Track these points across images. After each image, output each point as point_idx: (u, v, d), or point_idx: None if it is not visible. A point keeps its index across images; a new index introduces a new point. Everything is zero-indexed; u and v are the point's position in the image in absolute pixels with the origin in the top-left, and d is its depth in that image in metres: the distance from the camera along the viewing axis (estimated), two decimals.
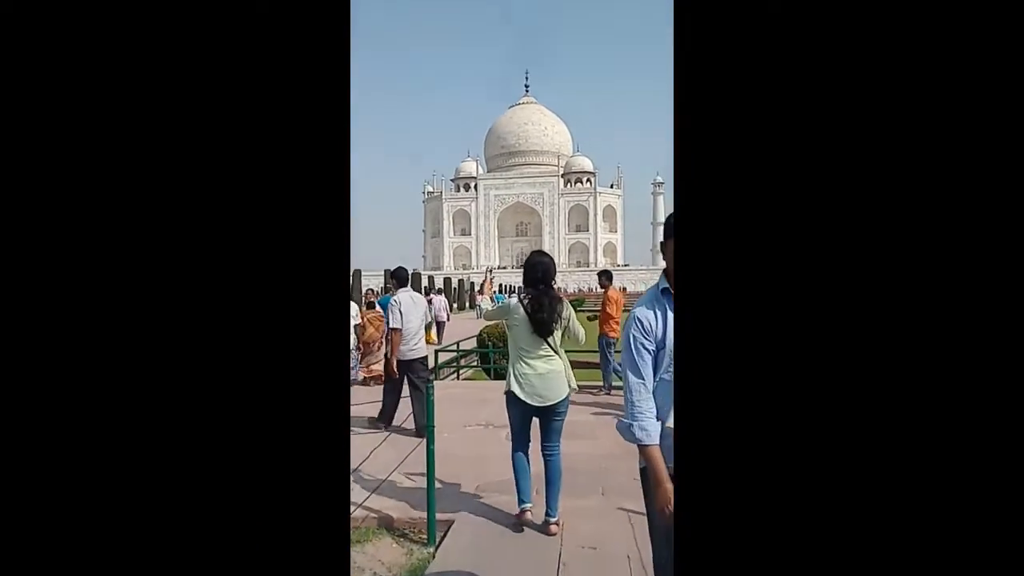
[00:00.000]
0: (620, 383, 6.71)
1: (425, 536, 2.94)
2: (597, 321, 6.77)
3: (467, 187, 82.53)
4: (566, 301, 3.12)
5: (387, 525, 3.12)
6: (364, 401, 5.21)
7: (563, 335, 3.05)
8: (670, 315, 1.55)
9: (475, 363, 11.23)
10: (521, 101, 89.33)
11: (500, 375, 5.36)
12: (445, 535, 2.94)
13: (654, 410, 1.54)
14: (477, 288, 26.42)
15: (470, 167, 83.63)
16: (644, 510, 1.67)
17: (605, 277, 6.87)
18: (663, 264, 1.68)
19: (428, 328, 14.51)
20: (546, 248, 73.35)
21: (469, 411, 5.64)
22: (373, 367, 7.39)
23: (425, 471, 2.97)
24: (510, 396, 2.97)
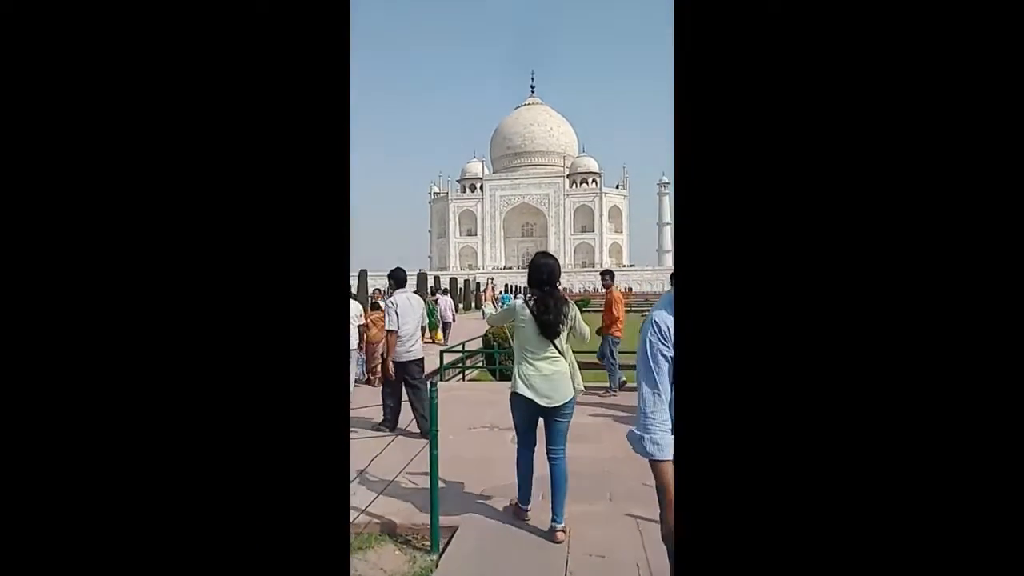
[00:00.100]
0: (624, 382, 6.69)
1: (428, 543, 2.87)
2: (601, 324, 6.66)
3: (473, 188, 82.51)
4: (571, 302, 3.09)
5: (390, 531, 3.06)
6: (370, 404, 5.15)
7: (569, 335, 3.03)
8: None
9: (480, 364, 11.17)
10: (527, 102, 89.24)
11: (506, 376, 5.31)
12: (449, 542, 2.88)
13: (668, 422, 1.44)
14: (483, 288, 26.40)
15: (476, 168, 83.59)
16: (653, 516, 1.59)
17: (608, 277, 6.77)
18: (671, 265, 1.60)
19: (435, 329, 14.60)
20: (552, 249, 73.46)
21: (474, 413, 5.57)
22: (376, 368, 7.36)
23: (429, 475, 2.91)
24: (515, 398, 2.95)
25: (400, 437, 4.45)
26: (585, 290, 52.41)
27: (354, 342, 6.13)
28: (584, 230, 78.80)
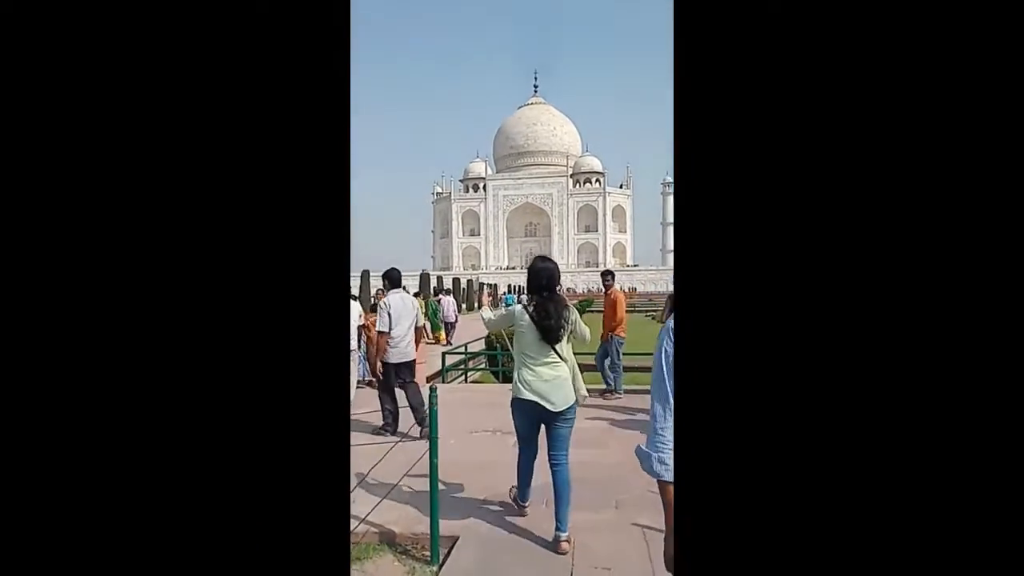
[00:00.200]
0: (629, 384, 6.59)
1: (428, 553, 2.78)
2: (603, 327, 6.55)
3: (476, 188, 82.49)
4: (572, 306, 3.03)
5: (389, 541, 2.97)
6: (373, 408, 5.06)
7: (570, 337, 2.99)
8: None
9: (483, 366, 11.08)
10: (530, 101, 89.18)
11: (509, 378, 5.21)
12: (449, 552, 2.78)
13: None
14: (484, 292, 26.37)
15: (479, 167, 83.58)
16: (661, 526, 1.49)
17: (609, 277, 6.67)
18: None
19: (438, 329, 14.53)
20: (555, 248, 73.48)
21: (477, 416, 5.49)
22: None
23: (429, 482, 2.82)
24: (516, 403, 2.90)
25: (401, 443, 4.36)
26: (589, 290, 52.31)
27: (353, 343, 6.04)
28: (588, 230, 78.67)
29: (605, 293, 6.71)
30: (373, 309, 7.93)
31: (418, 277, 31.23)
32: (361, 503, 3.16)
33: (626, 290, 52.89)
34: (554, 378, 2.83)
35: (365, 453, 3.58)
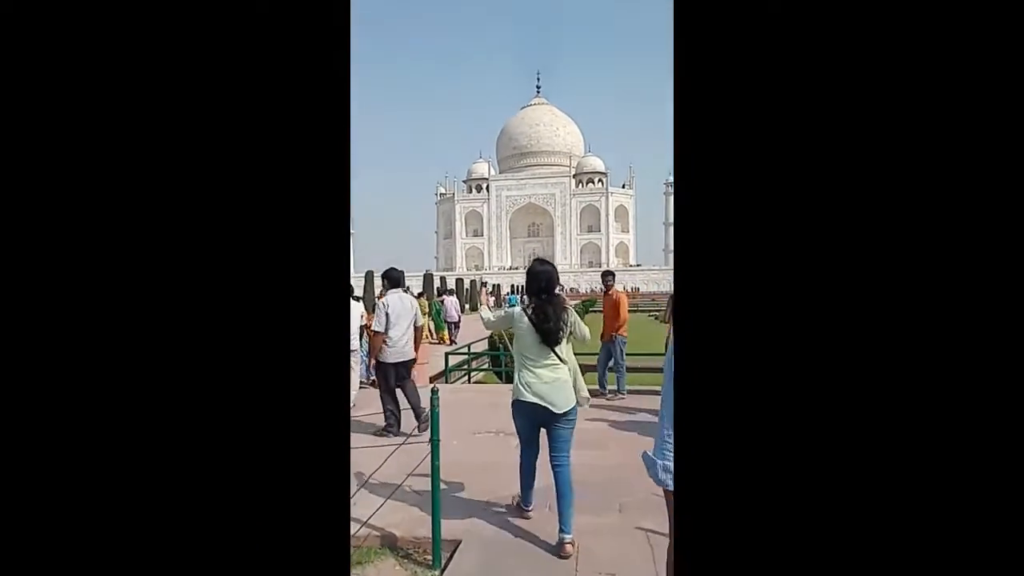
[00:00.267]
0: (631, 385, 6.55)
1: (430, 557, 2.75)
2: (604, 328, 6.52)
3: (479, 188, 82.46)
4: (570, 307, 3.02)
5: (390, 544, 2.94)
6: (376, 410, 5.02)
7: (569, 338, 2.98)
8: None
9: (486, 366, 11.05)
10: (533, 102, 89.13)
11: (511, 378, 5.21)
12: (451, 557, 2.75)
13: None
14: (483, 291, 26.39)
15: (482, 168, 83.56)
16: (666, 531, 1.46)
17: (610, 278, 6.64)
18: None
19: (441, 329, 14.52)
20: (558, 249, 73.42)
21: (480, 417, 5.45)
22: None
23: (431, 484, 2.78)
24: (516, 405, 2.89)
25: (404, 445, 4.33)
26: (592, 290, 52.23)
27: (355, 343, 6.01)
28: (590, 230, 78.57)
29: (605, 294, 6.67)
30: (374, 309, 7.91)
31: (422, 278, 31.26)
32: (363, 506, 3.12)
33: (629, 290, 52.78)
34: (555, 380, 2.83)
35: (368, 455, 3.55)
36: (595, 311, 20.13)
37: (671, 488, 1.30)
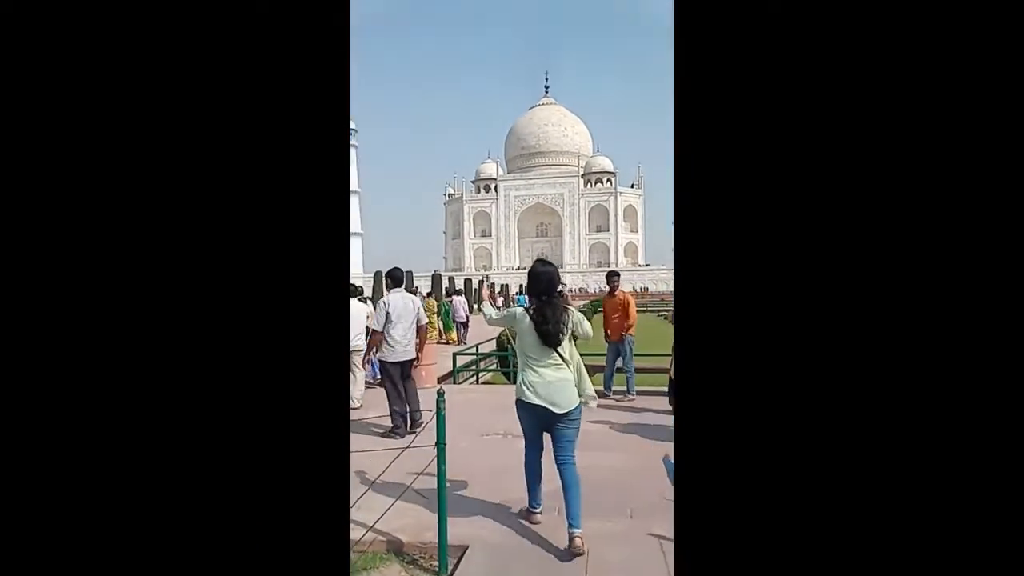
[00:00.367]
0: (640, 386, 6.48)
1: (436, 563, 2.69)
2: (610, 329, 6.45)
3: (487, 188, 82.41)
4: (571, 308, 3.02)
5: (396, 549, 2.88)
6: (383, 413, 4.97)
7: (571, 338, 2.98)
8: None
9: (494, 366, 10.99)
10: (541, 102, 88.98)
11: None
12: (458, 562, 2.69)
13: None
14: (497, 290, 26.43)
15: (490, 168, 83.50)
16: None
17: (615, 278, 6.58)
18: None
19: (449, 329, 14.48)
20: (566, 249, 73.34)
21: (487, 418, 5.39)
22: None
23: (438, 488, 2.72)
24: (520, 404, 2.90)
25: (411, 448, 4.27)
26: (600, 290, 52.09)
27: (362, 343, 5.96)
28: (599, 230, 78.34)
29: (610, 294, 6.59)
30: None
31: (430, 278, 31.28)
32: (368, 509, 3.07)
33: (638, 290, 52.62)
34: (557, 380, 2.84)
35: (374, 457, 3.49)
36: (600, 311, 20.06)
37: None
